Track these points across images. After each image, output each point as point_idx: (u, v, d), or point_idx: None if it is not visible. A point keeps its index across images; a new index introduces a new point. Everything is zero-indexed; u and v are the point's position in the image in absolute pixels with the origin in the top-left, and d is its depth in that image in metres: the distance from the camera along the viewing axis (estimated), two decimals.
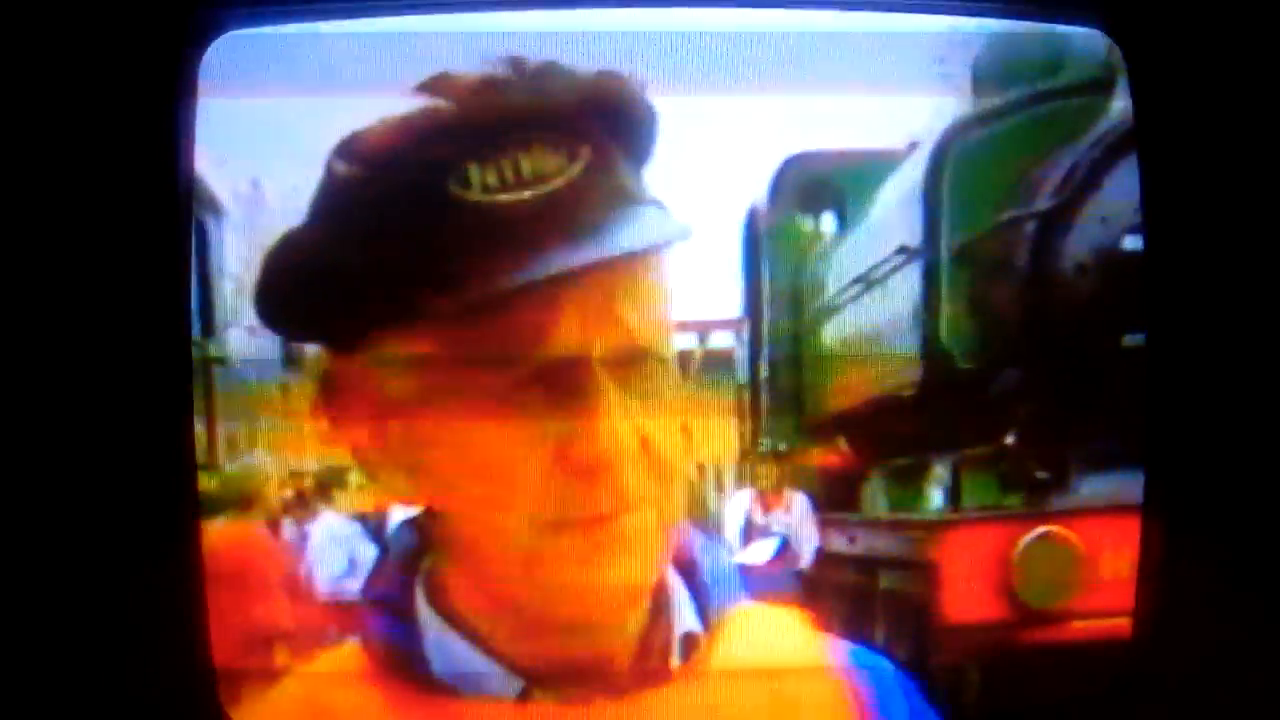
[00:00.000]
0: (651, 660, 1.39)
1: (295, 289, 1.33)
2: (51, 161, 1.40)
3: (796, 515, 1.60)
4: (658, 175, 1.40)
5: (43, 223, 1.40)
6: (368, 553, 1.45)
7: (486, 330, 1.30)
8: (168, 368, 1.40)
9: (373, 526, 1.46)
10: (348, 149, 1.32)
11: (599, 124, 1.34)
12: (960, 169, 1.60)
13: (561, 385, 1.30)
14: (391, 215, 1.30)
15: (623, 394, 1.31)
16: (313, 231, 1.32)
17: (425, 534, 1.38)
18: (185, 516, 1.42)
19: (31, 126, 1.40)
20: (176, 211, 1.41)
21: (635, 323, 1.32)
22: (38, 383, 1.40)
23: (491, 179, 1.30)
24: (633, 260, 1.34)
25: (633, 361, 1.32)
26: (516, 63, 1.35)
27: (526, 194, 1.30)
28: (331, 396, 1.36)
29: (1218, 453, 1.44)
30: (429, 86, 1.33)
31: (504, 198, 1.30)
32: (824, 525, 1.58)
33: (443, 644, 1.37)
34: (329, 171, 1.32)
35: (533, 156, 1.31)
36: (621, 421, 1.31)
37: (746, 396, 1.56)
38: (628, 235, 1.33)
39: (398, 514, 1.40)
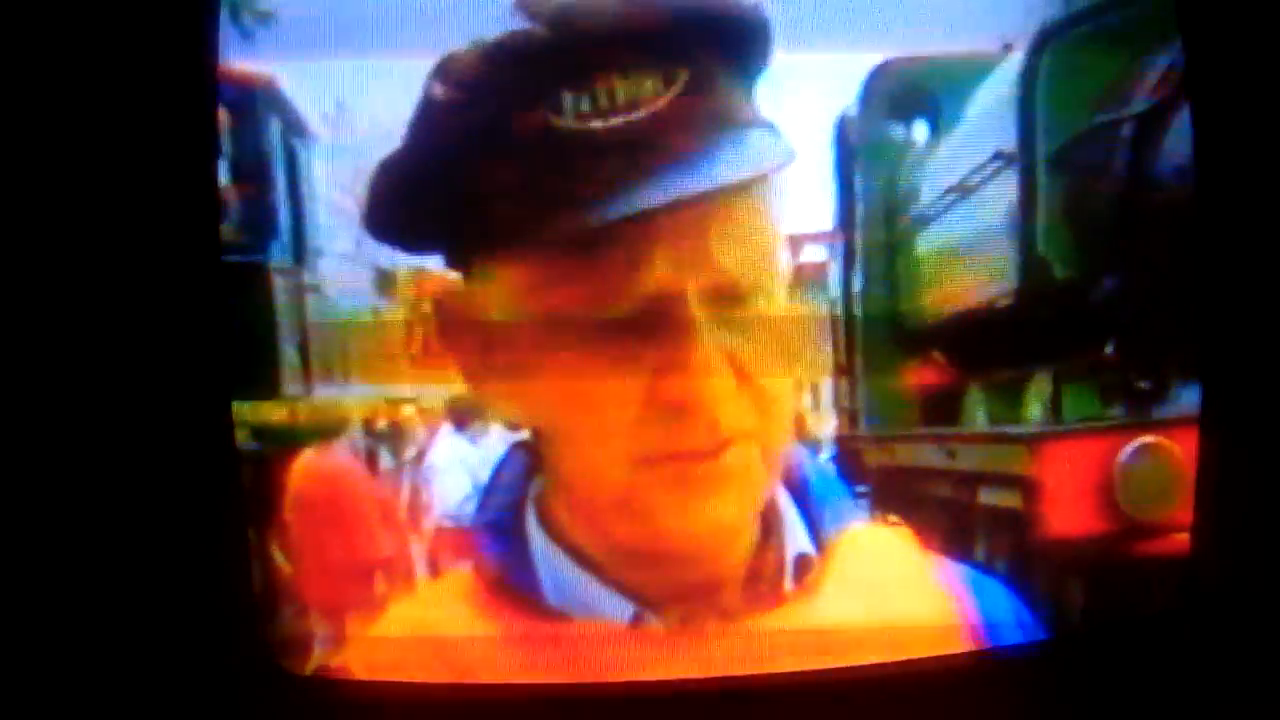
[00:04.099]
0: (763, 583, 1.37)
1: (400, 209, 1.32)
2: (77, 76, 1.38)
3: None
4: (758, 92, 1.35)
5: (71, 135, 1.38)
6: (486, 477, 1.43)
7: (579, 262, 1.27)
8: (199, 286, 1.38)
9: (490, 451, 1.43)
10: (443, 72, 1.29)
11: (701, 41, 1.29)
12: (1055, 71, 1.56)
13: (654, 321, 1.27)
14: (488, 141, 1.27)
15: (718, 330, 1.28)
16: (413, 153, 1.30)
17: (535, 456, 1.37)
18: (226, 448, 1.41)
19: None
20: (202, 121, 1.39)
21: (730, 259, 1.28)
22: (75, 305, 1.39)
23: (585, 105, 1.26)
24: (729, 192, 1.30)
25: (728, 298, 1.29)
26: None
27: (620, 121, 1.26)
28: (443, 320, 1.35)
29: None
30: (520, 6, 1.29)
31: (597, 125, 1.26)
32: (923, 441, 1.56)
33: (554, 568, 1.36)
34: (426, 93, 1.29)
35: (628, 81, 1.26)
36: (715, 358, 1.28)
37: (840, 312, 1.53)
38: (723, 166, 1.28)
39: (510, 437, 1.38)
